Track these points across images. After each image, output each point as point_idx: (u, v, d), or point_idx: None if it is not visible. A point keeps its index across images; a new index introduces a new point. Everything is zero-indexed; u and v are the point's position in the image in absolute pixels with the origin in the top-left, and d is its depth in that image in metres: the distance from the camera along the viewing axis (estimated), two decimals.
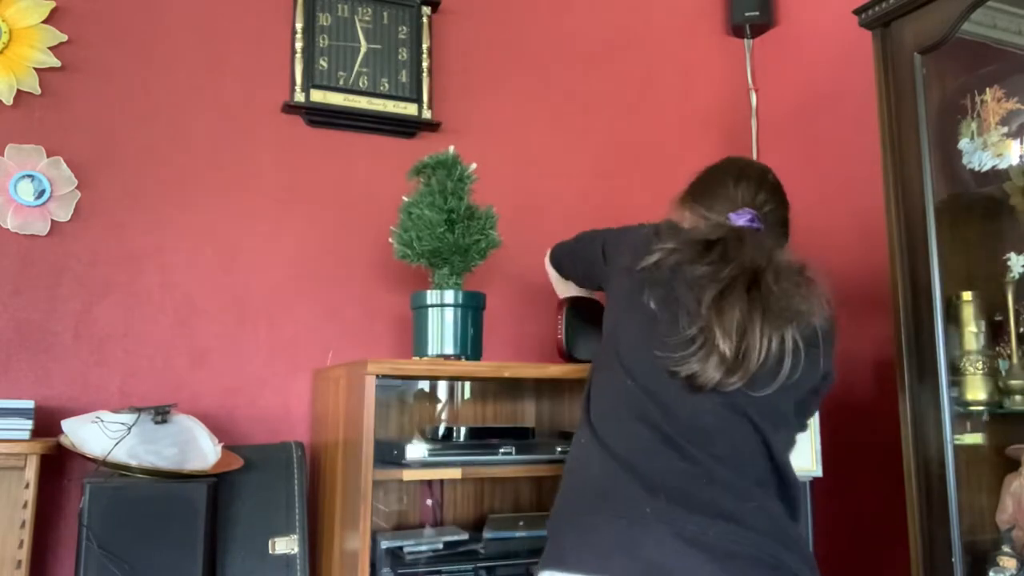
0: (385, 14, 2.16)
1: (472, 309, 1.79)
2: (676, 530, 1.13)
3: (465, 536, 1.84)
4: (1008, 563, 1.57)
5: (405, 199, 1.81)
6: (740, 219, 1.37)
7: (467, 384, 2.12)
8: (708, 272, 1.26)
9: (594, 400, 1.35)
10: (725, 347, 1.20)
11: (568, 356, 1.87)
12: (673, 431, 1.22)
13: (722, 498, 1.18)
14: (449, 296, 1.77)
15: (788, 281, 1.25)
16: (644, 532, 1.14)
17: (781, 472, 1.26)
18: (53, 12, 1.87)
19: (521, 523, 1.93)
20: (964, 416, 1.64)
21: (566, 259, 1.80)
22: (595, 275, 1.63)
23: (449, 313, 1.76)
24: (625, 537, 1.15)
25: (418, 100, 2.16)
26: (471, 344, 1.77)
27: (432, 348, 1.75)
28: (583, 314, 1.87)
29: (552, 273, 1.90)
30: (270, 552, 1.69)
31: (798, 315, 1.24)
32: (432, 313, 1.76)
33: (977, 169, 1.68)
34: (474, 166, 1.81)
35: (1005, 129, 1.65)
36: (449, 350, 1.75)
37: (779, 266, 1.27)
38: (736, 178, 1.45)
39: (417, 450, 1.67)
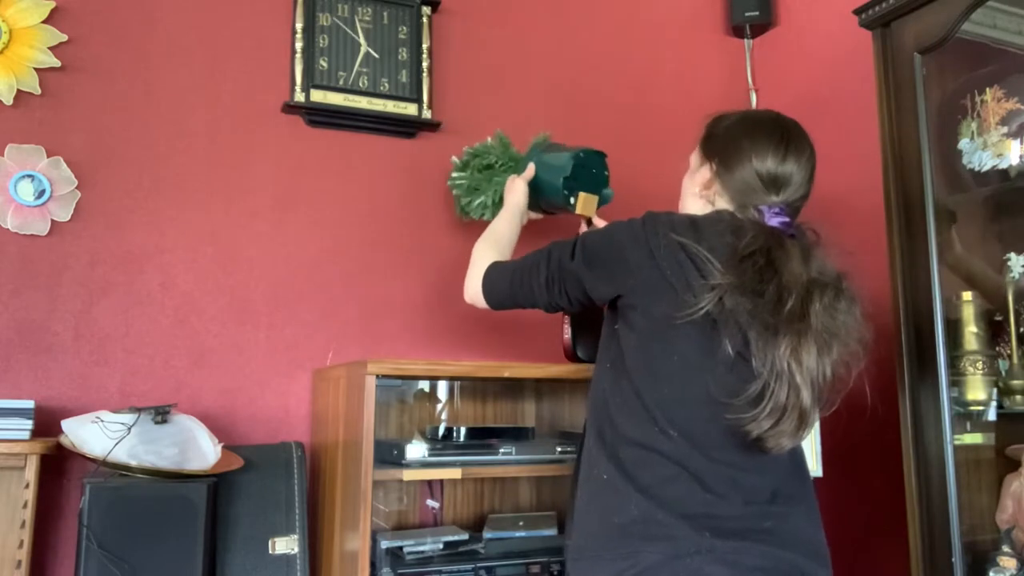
0: (385, 14, 2.16)
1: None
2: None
3: (465, 536, 1.84)
4: (1008, 563, 1.57)
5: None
6: (773, 219, 1.25)
7: (467, 384, 2.12)
8: (756, 304, 1.15)
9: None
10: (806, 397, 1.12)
11: (575, 357, 1.86)
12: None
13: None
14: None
15: (831, 298, 1.17)
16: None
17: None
18: (53, 12, 1.87)
19: (521, 523, 1.93)
20: (964, 416, 1.64)
21: (515, 276, 1.49)
22: (569, 289, 1.41)
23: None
24: None
25: (418, 100, 2.16)
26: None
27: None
28: (590, 315, 1.86)
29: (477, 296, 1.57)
30: (270, 552, 1.69)
31: (836, 337, 1.17)
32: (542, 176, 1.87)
33: (977, 169, 1.68)
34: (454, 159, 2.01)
35: (1005, 129, 1.65)
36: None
37: (825, 281, 1.19)
38: (781, 158, 1.28)
39: (417, 450, 1.68)
